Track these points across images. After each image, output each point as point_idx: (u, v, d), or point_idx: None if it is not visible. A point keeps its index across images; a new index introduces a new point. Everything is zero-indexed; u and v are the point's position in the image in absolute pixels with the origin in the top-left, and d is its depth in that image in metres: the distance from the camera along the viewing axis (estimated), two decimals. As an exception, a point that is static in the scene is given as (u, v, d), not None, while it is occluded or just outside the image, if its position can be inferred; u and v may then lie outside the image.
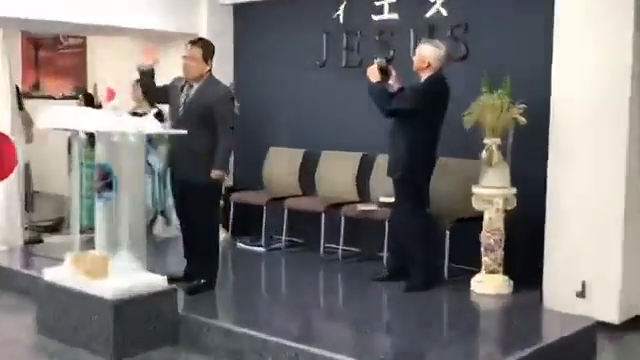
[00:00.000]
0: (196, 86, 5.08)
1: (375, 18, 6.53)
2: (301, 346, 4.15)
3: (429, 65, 5.31)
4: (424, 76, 5.35)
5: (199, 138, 4.93)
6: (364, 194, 6.47)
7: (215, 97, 5.02)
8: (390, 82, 5.45)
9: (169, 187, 5.91)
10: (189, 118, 5.01)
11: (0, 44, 6.54)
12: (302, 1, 6.91)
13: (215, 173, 4.98)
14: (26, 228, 6.95)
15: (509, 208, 5.29)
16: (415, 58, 5.43)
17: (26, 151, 7.02)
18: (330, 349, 4.08)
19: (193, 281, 5.12)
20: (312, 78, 6.99)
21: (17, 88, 7.24)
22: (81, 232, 5.15)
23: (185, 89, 5.12)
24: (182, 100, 5.10)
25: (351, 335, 4.54)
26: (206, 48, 5.09)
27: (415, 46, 5.91)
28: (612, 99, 4.81)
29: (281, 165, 7.08)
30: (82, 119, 4.91)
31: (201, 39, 5.36)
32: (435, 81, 5.31)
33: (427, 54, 5.32)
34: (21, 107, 7.24)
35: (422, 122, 5.26)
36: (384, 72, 5.42)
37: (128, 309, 4.50)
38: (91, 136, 5.51)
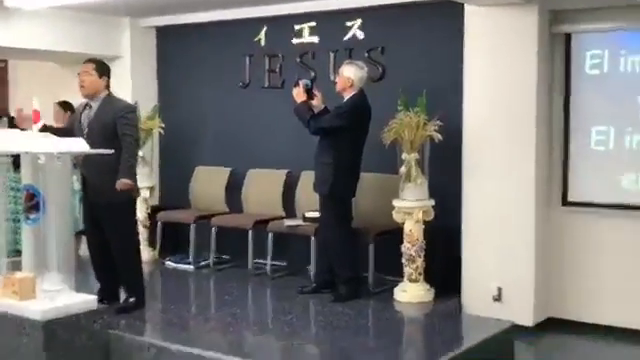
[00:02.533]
0: (95, 106, 5.13)
1: (295, 41, 6.74)
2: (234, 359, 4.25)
3: (352, 85, 5.54)
4: (347, 96, 5.56)
5: (105, 155, 4.88)
6: (290, 210, 6.64)
7: (115, 112, 5.07)
8: (314, 102, 5.65)
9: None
10: (93, 137, 4.98)
11: None
12: (224, 24, 7.04)
13: (121, 182, 4.93)
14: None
15: (428, 219, 5.55)
16: (338, 78, 5.64)
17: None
18: (262, 361, 4.23)
19: (106, 302, 5.06)
20: (236, 99, 7.15)
21: None
22: (7, 256, 5.11)
23: (86, 110, 5.16)
24: (85, 122, 5.13)
25: (281, 347, 4.67)
26: (99, 64, 5.18)
27: (335, 68, 6.18)
28: (519, 111, 5.16)
29: (208, 183, 7.19)
30: (7, 141, 4.90)
31: (95, 58, 5.37)
32: (358, 100, 5.55)
33: (351, 75, 5.54)
34: None
35: (347, 139, 5.48)
36: (309, 93, 5.63)
37: (58, 329, 4.48)
38: (16, 158, 5.49)
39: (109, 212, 5.07)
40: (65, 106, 6.98)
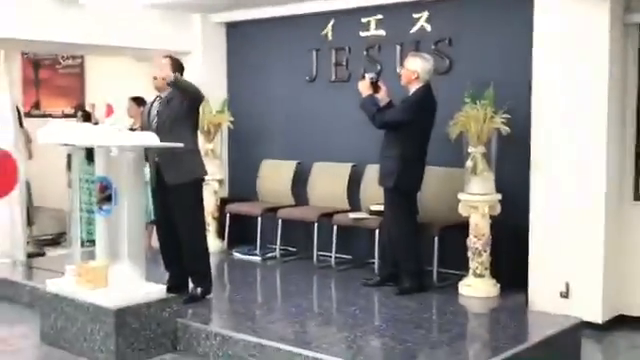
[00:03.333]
0: (164, 95, 5.29)
1: (362, 34, 6.74)
2: (297, 350, 4.31)
3: (417, 78, 5.50)
4: (412, 88, 5.53)
5: (175, 140, 5.02)
6: (355, 203, 6.66)
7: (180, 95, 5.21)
8: (379, 96, 5.64)
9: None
10: (164, 124, 5.17)
11: (1, 65, 6.73)
12: (292, 19, 7.10)
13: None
14: (28, 242, 7.10)
15: (494, 214, 5.48)
16: (404, 71, 5.61)
17: (26, 167, 7.19)
18: (325, 352, 4.27)
19: (175, 291, 5.14)
20: (303, 92, 7.20)
21: (16, 107, 7.42)
22: (81, 245, 5.30)
23: (154, 103, 5.35)
24: (154, 111, 5.30)
25: (345, 338, 4.69)
26: (175, 60, 5.40)
27: (401, 61, 6.13)
28: (590, 105, 5.01)
29: (274, 177, 7.28)
30: (82, 134, 5.07)
31: (171, 55, 5.56)
32: (424, 93, 5.50)
33: (417, 67, 5.50)
34: (20, 125, 7.42)
35: (412, 133, 5.45)
36: (375, 86, 5.63)
37: (129, 317, 4.65)
38: (90, 152, 5.69)
39: (176, 194, 5.20)
40: (138, 101, 7.18)
